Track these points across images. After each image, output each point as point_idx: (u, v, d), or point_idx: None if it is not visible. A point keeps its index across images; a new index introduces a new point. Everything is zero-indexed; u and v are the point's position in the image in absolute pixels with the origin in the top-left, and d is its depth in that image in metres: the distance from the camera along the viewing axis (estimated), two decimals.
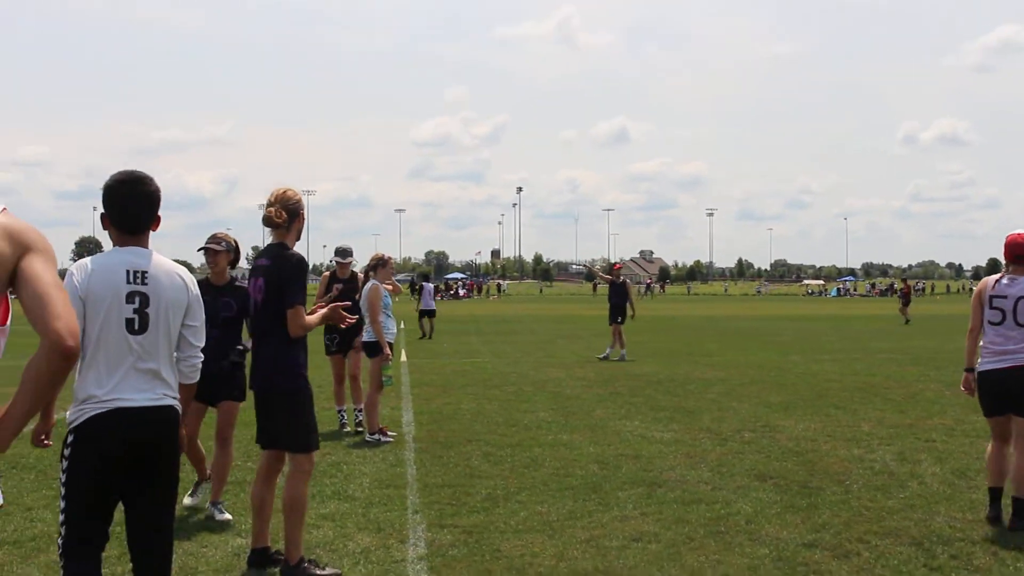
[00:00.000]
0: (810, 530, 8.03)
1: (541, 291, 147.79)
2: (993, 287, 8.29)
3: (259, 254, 7.13)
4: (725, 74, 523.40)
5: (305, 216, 7.18)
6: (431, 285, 36.80)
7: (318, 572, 6.87)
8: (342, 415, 13.57)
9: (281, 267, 6.87)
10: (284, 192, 7.07)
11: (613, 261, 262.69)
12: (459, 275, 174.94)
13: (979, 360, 8.38)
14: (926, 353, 25.69)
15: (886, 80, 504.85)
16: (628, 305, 25.14)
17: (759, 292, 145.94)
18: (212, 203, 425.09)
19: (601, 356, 24.63)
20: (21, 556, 7.33)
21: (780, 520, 8.35)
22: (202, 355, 5.23)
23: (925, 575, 6.94)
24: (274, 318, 6.85)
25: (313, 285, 17.78)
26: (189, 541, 7.76)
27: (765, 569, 7.04)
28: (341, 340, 13.37)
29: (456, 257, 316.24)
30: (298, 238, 7.11)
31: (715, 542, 7.70)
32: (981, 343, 8.36)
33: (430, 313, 33.70)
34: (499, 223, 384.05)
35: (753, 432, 12.84)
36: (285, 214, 6.99)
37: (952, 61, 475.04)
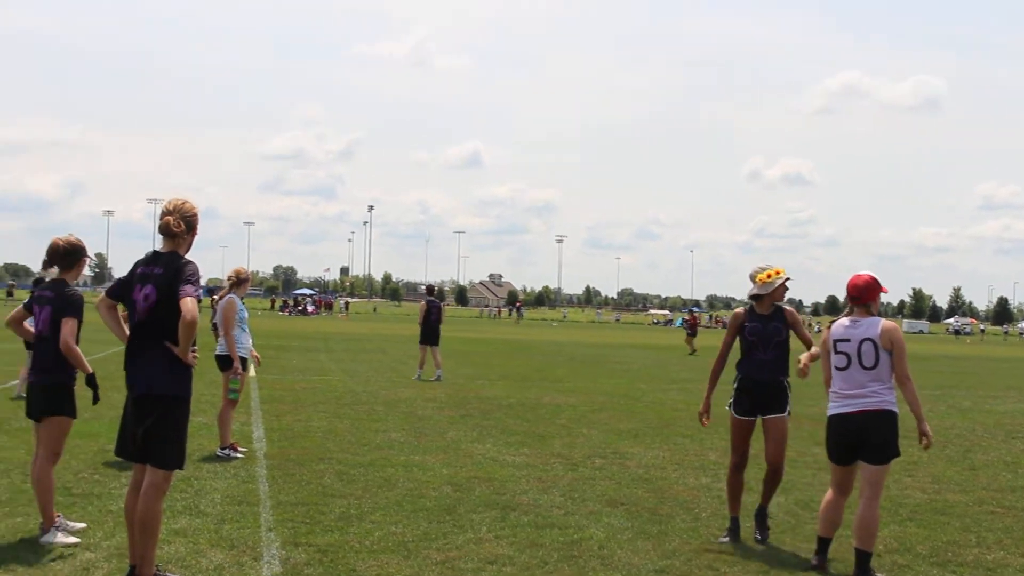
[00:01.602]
0: (661, 556, 8.18)
1: (375, 310, 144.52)
2: (836, 331, 8.06)
3: (147, 262, 7.01)
4: (579, 103, 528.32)
5: (195, 233, 7.18)
6: None
7: None
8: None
9: (177, 270, 6.80)
10: (183, 203, 7.09)
11: (462, 284, 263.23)
12: (308, 291, 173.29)
13: (829, 405, 8.10)
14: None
15: (734, 117, 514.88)
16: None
17: (617, 319, 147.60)
18: (54, 207, 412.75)
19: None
20: None
21: (632, 546, 8.49)
22: None
23: None
24: (166, 325, 6.76)
25: None
26: (34, 553, 7.55)
27: None
28: None
29: (304, 273, 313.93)
30: (188, 250, 7.06)
31: (568, 566, 7.79)
32: (831, 389, 8.10)
33: None
34: (349, 240, 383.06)
35: (603, 458, 13.02)
36: (183, 224, 6.97)
37: (797, 103, 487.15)
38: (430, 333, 25.40)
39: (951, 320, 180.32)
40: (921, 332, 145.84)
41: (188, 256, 7.09)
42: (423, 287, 29.37)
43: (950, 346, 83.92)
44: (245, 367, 12.71)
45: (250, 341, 12.82)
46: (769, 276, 9.05)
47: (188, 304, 6.66)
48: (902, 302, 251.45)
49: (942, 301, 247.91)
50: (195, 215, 7.14)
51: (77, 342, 7.98)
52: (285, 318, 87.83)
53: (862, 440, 7.80)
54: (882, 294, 8.14)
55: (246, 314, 12.72)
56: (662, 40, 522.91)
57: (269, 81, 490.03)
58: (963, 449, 15.34)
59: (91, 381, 8.10)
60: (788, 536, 9.04)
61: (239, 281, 12.74)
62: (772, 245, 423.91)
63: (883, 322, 7.93)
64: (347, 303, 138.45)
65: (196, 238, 7.22)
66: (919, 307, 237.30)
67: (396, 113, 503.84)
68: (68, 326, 7.94)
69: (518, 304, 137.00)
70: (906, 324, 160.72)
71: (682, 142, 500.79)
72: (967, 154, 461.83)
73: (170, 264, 6.87)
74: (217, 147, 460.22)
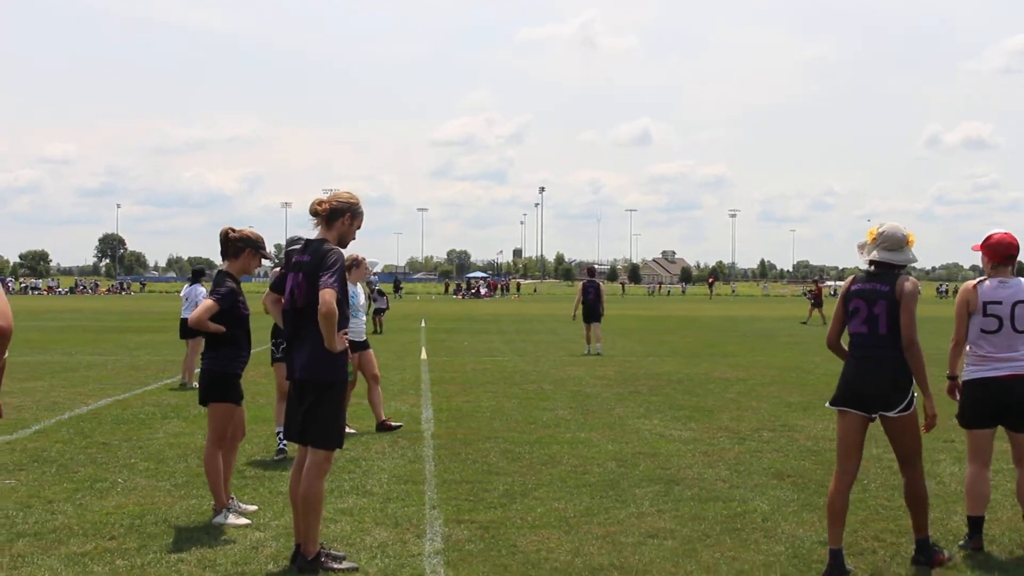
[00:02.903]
0: (826, 528, 8.01)
1: (535, 290, 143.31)
2: (986, 292, 7.60)
3: (300, 251, 7.19)
4: (748, 77, 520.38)
5: (353, 223, 7.25)
6: (200, 288, 18.31)
7: (335, 566, 6.92)
8: (281, 438, 11.26)
9: (322, 258, 6.93)
10: (342, 192, 7.26)
11: (635, 262, 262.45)
12: (480, 274, 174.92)
13: (966, 368, 7.74)
14: (942, 354, 25.58)
15: (909, 83, 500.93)
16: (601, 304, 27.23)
17: (805, 294, 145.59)
18: (234, 201, 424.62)
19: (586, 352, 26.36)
20: (42, 548, 7.39)
21: (797, 518, 8.37)
22: None
23: (939, 574, 6.95)
24: (316, 311, 6.85)
25: None
26: (207, 533, 7.81)
27: (780, 566, 7.07)
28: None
29: (478, 256, 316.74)
30: (341, 242, 7.18)
31: (731, 539, 7.73)
32: (975, 352, 7.65)
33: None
34: (521, 223, 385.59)
35: (772, 431, 12.86)
36: (327, 206, 7.12)
37: (975, 64, 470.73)
38: (589, 311, 26.88)
39: None
40: None
41: (350, 246, 7.26)
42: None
43: None
44: (363, 347, 12.87)
45: (363, 326, 12.96)
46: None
47: (325, 296, 6.76)
48: None
49: None
50: (350, 204, 7.21)
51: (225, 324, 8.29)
52: (459, 301, 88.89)
53: (1009, 405, 7.51)
54: None
55: (360, 300, 12.82)
56: (831, 9, 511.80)
57: (438, 69, 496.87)
58: None
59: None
60: (960, 506, 8.74)
61: (351, 266, 12.72)
62: (953, 212, 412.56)
63: None
64: (519, 284, 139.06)
65: (360, 227, 7.34)
66: None
67: (564, 94, 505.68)
68: (204, 304, 8.22)
69: (710, 280, 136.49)
70: None
71: (855, 110, 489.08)
72: None
73: (316, 251, 7.02)
74: (389, 136, 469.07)
